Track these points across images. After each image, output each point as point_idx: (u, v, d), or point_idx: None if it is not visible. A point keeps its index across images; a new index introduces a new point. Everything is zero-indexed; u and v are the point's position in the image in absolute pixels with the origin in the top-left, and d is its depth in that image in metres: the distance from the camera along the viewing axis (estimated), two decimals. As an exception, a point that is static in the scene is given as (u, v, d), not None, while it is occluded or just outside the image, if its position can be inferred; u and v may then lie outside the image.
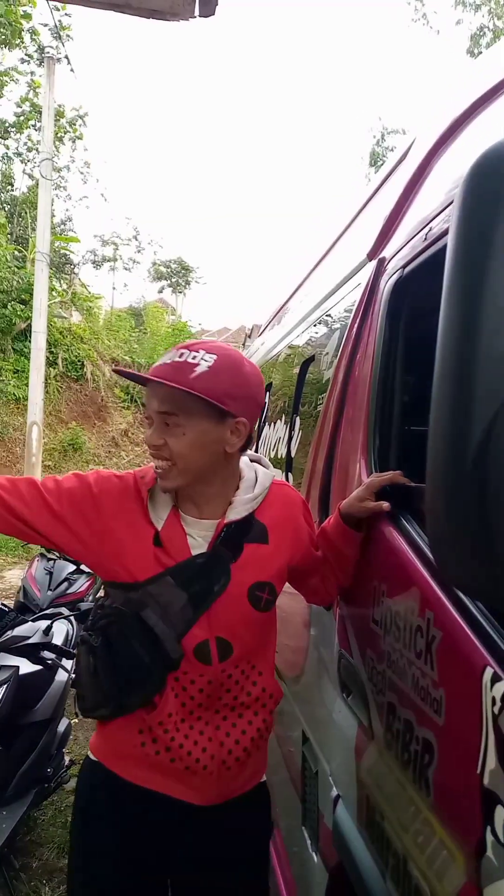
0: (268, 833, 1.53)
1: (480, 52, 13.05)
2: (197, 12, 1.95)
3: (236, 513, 1.31)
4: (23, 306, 13.37)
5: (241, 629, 1.30)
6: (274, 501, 1.36)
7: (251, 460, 1.41)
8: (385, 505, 1.32)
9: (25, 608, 3.78)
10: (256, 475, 1.37)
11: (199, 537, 1.30)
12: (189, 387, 1.17)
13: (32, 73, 15.18)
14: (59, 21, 11.57)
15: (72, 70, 11.73)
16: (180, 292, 34.07)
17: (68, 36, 12.99)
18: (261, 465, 1.41)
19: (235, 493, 1.33)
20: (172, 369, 1.20)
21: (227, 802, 1.36)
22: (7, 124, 16.92)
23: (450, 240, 0.74)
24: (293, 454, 2.44)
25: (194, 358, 1.21)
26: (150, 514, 1.29)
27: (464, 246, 0.71)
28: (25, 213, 17.36)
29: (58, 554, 4.24)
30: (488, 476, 0.66)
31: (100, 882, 1.35)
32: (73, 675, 1.40)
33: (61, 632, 2.95)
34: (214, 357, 1.22)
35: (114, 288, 29.32)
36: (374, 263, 1.69)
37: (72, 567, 4.10)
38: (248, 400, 1.26)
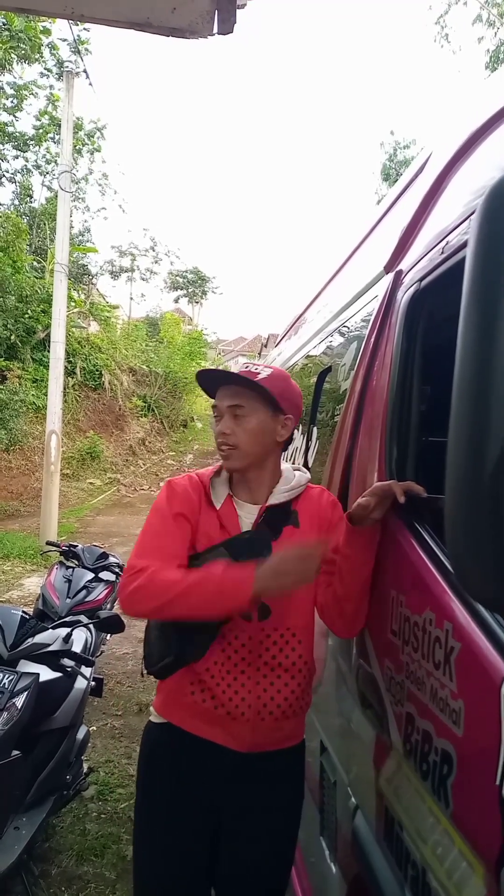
0: (299, 793, 1.68)
1: (496, 68, 13.01)
2: (216, 30, 1.97)
3: (276, 498, 1.61)
4: (43, 314, 13.55)
5: (279, 598, 1.53)
6: (308, 497, 1.65)
7: (294, 469, 1.70)
8: (367, 499, 1.40)
9: (45, 616, 3.80)
10: (294, 477, 1.67)
11: (246, 518, 1.60)
12: (253, 383, 1.56)
13: (51, 86, 15.43)
14: (78, 36, 11.74)
15: (90, 84, 11.88)
16: (197, 302, 34.25)
17: (87, 50, 13.17)
18: (301, 471, 1.71)
19: (276, 486, 1.63)
20: (243, 374, 1.59)
21: (263, 754, 1.57)
22: (27, 137, 17.19)
23: (468, 260, 0.76)
24: (310, 464, 2.45)
25: (256, 369, 1.62)
26: (212, 498, 1.61)
27: (481, 266, 0.72)
28: (44, 224, 17.59)
29: (76, 562, 4.27)
30: None
31: (159, 819, 1.59)
32: (143, 637, 1.66)
33: (80, 639, 2.97)
34: (270, 370, 1.62)
35: (131, 298, 29.56)
36: (390, 276, 1.70)
37: (90, 575, 4.13)
38: (294, 403, 1.63)
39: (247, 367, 1.63)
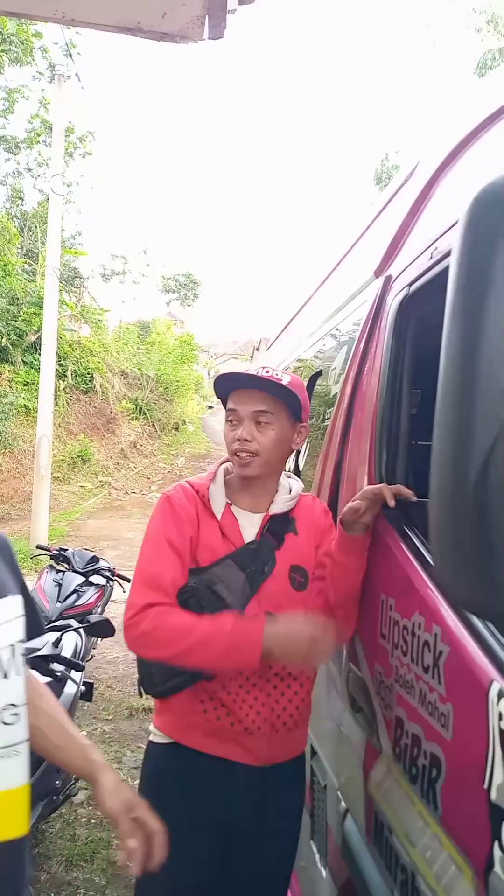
0: (302, 801, 1.69)
1: (484, 74, 13.15)
2: (206, 35, 1.98)
3: (278, 507, 1.58)
4: (35, 316, 13.51)
5: (284, 605, 1.50)
6: (302, 505, 1.64)
7: (287, 477, 1.68)
8: (357, 503, 1.41)
9: (34, 620, 3.78)
10: (291, 486, 1.66)
11: (248, 527, 1.55)
12: (285, 389, 1.50)
13: (43, 90, 15.41)
14: (70, 40, 11.73)
15: (82, 87, 11.89)
16: (188, 305, 34.24)
17: (78, 53, 13.15)
18: (293, 479, 1.70)
19: (276, 494, 1.61)
20: (267, 378, 1.51)
21: (274, 767, 1.54)
22: (18, 140, 17.14)
23: (451, 269, 0.76)
24: (301, 467, 2.45)
25: (276, 374, 1.53)
26: (212, 507, 1.55)
27: (465, 275, 0.73)
28: (35, 227, 17.53)
29: (66, 566, 4.25)
30: (489, 498, 0.68)
31: (173, 844, 1.49)
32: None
33: (70, 643, 2.96)
34: (289, 376, 1.56)
35: (122, 301, 29.47)
36: (380, 281, 1.71)
37: (81, 579, 4.11)
38: (307, 411, 1.60)
39: (267, 372, 1.53)
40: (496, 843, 0.88)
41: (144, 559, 1.51)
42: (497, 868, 0.87)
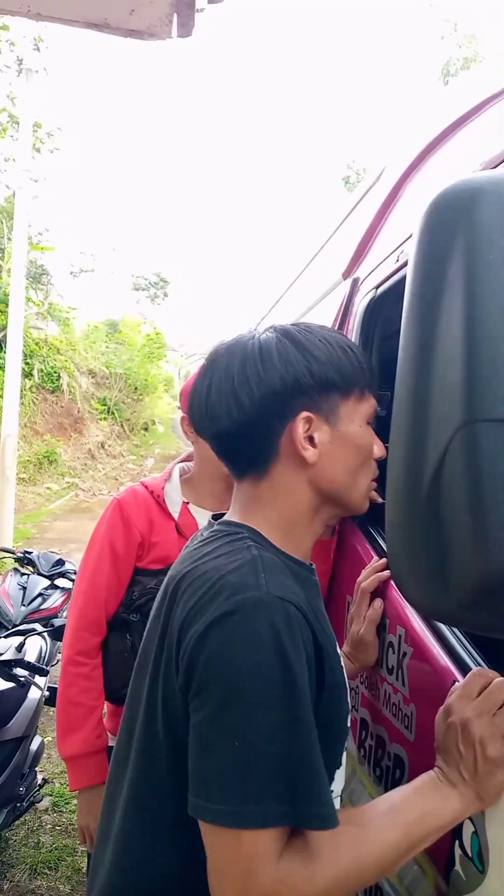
0: None
1: (447, 82, 13.37)
2: (174, 33, 1.97)
3: None
4: (1, 314, 13.28)
5: None
6: None
7: None
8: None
9: (-2, 624, 3.72)
10: None
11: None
12: None
13: (10, 83, 15.16)
14: (38, 35, 11.60)
15: (50, 82, 11.79)
16: (158, 304, 34.05)
17: (46, 47, 12.97)
18: None
19: None
20: None
21: None
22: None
23: (408, 274, 0.77)
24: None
25: None
26: (168, 508, 1.56)
27: (420, 280, 0.74)
28: (1, 222, 17.24)
29: (32, 569, 4.18)
30: (443, 501, 0.68)
31: None
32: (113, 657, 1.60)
33: (35, 648, 2.91)
34: None
35: (91, 299, 29.16)
36: (348, 282, 1.72)
37: (46, 582, 4.05)
38: None
39: None
40: (456, 843, 0.89)
41: (85, 571, 1.55)
42: (458, 867, 0.88)
